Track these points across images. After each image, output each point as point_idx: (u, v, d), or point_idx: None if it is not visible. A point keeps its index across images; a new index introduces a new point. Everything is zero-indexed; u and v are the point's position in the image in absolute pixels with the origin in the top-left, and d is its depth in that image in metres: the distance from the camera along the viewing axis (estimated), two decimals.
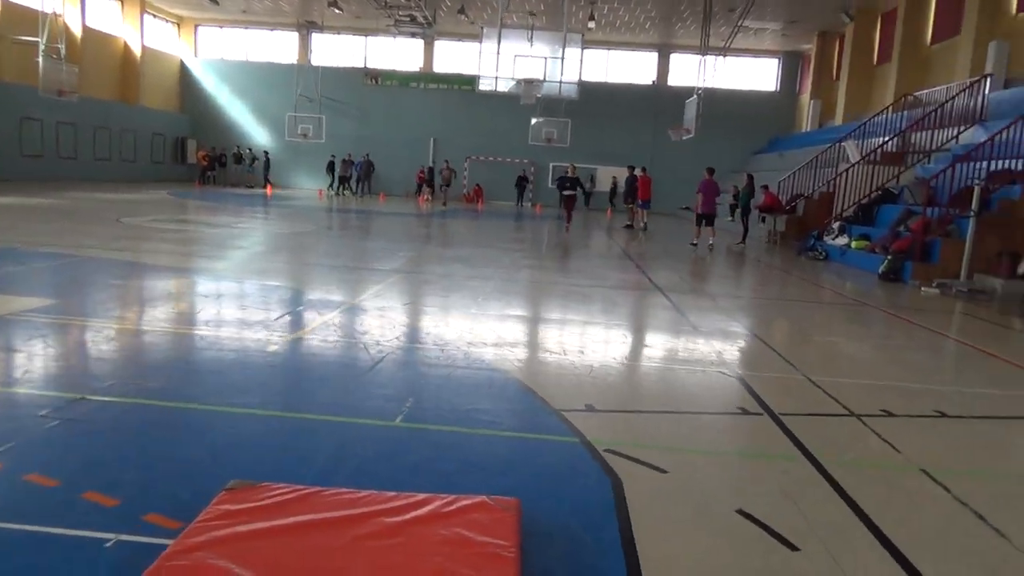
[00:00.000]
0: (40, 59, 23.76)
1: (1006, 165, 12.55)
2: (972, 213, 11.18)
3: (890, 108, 20.28)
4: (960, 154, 13.74)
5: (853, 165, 17.16)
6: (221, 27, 36.13)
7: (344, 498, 2.80)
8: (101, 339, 5.28)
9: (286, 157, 35.84)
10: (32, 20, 24.53)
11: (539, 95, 17.95)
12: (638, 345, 6.52)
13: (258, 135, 36.20)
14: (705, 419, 4.43)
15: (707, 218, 16.61)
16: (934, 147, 16.31)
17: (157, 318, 6.20)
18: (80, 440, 3.46)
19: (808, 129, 30.73)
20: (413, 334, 6.27)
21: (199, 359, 4.96)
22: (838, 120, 27.24)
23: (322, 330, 6.06)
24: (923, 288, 11.18)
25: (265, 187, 32.71)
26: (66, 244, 10.12)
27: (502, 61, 16.77)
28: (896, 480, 3.61)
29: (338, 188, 31.94)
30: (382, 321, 6.49)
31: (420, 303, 7.60)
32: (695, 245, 16.31)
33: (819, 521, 3.06)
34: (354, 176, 32.34)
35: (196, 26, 36.34)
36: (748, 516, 3.08)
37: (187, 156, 35.53)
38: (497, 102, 32.22)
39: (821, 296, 10.63)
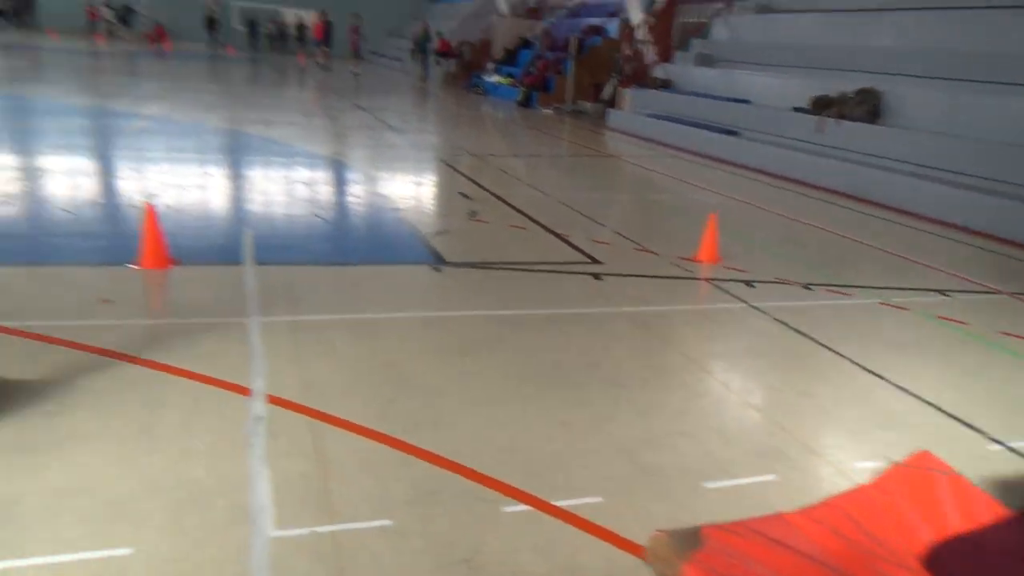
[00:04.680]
0: None
1: (597, 22, 17.93)
2: (572, 57, 16.35)
3: None
4: (571, 11, 18.94)
5: (502, 17, 21.79)
6: None
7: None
8: None
9: None
10: None
11: None
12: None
13: None
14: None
15: (354, 52, 22.86)
16: (558, 4, 21.48)
17: None
18: None
19: None
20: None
21: None
22: None
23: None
24: (544, 110, 16.31)
25: None
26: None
27: None
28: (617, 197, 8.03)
29: None
30: None
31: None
32: (353, 74, 21.49)
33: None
34: (12, 8, 29.91)
35: None
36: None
37: None
38: None
39: (491, 116, 15.19)
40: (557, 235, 5.45)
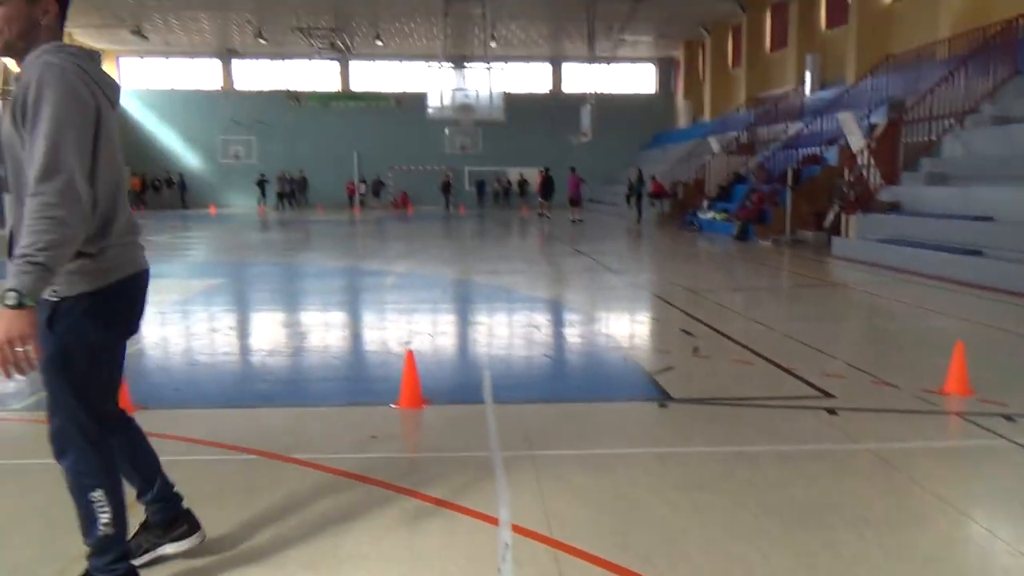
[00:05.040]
0: None
1: (813, 151, 17.72)
2: (789, 187, 16.19)
3: (742, 107, 25.63)
4: (786, 143, 18.93)
5: (715, 156, 22.25)
6: (142, 57, 38.39)
7: None
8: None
9: (218, 179, 38.54)
10: None
11: (475, 117, 22.24)
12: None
13: (189, 159, 38.72)
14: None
15: (573, 201, 24.02)
16: (771, 138, 21.58)
17: None
18: None
19: (683, 125, 36.16)
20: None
21: None
22: (707, 117, 32.68)
23: None
24: (761, 242, 16.13)
25: (196, 207, 35.43)
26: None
27: (434, 86, 21.03)
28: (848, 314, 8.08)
29: (277, 203, 35.05)
30: None
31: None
32: (573, 220, 23.13)
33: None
34: (294, 192, 35.70)
35: (118, 57, 38.45)
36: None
37: None
38: (412, 116, 36.20)
39: (707, 251, 15.38)
40: (784, 369, 5.35)
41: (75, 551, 2.75)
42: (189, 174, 37.99)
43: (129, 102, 38.45)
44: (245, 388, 5.26)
